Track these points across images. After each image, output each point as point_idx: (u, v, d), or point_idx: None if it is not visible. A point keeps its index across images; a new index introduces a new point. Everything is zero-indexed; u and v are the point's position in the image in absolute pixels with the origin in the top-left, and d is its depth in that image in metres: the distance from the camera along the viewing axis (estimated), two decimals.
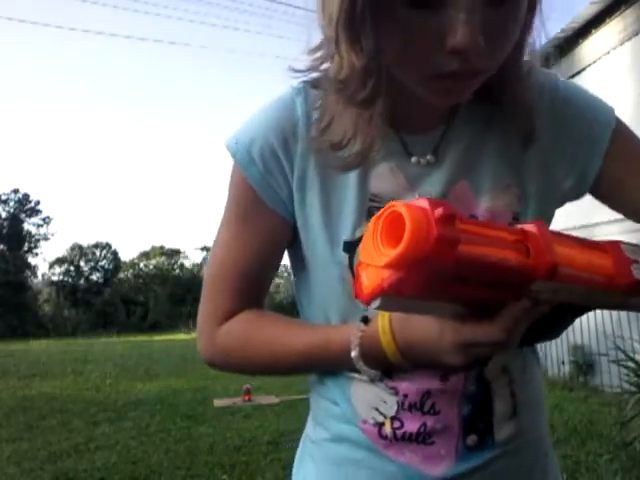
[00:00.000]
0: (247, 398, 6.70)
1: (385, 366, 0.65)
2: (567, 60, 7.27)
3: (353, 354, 0.65)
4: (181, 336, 23.88)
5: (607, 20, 6.49)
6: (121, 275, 43.02)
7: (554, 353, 7.27)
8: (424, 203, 0.49)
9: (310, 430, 0.79)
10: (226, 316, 0.74)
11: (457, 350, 0.57)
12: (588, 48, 6.88)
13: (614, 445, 3.79)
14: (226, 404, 6.64)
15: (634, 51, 6.13)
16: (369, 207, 0.67)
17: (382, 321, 0.63)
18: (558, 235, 0.59)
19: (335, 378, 0.73)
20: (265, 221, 0.71)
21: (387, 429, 0.70)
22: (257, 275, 0.74)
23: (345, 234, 0.68)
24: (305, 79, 0.70)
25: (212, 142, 75.52)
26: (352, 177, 0.68)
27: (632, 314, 5.74)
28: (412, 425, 0.69)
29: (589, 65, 6.88)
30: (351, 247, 0.67)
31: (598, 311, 6.60)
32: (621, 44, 6.33)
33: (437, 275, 0.50)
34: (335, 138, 0.65)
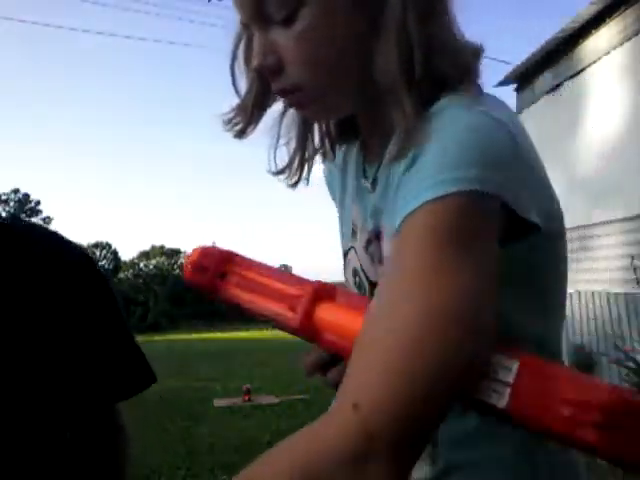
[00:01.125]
0: (247, 398, 6.70)
1: None
2: (567, 60, 7.27)
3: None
4: (181, 336, 23.88)
5: (607, 20, 6.49)
6: (121, 275, 43.03)
7: None
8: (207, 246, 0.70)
9: None
10: None
11: None
12: (588, 48, 6.88)
13: None
14: (226, 404, 6.64)
15: (634, 51, 6.13)
16: (352, 226, 0.71)
17: None
18: (346, 297, 0.58)
19: None
20: None
21: None
22: None
23: (343, 246, 0.75)
24: None
25: (212, 142, 75.59)
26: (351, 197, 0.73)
27: (632, 314, 5.74)
28: None
29: (589, 65, 6.87)
30: (344, 257, 0.74)
31: (598, 311, 6.60)
32: (621, 44, 6.33)
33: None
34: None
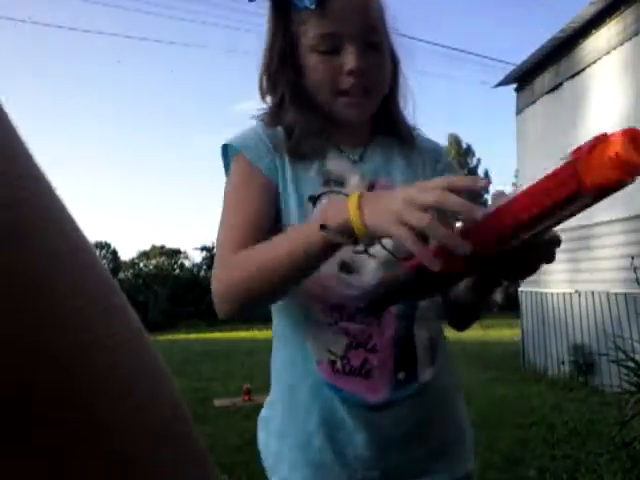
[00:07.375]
0: (247, 398, 6.70)
1: (344, 226, 0.77)
2: (567, 60, 7.27)
3: (317, 208, 0.95)
4: (181, 336, 23.93)
5: (607, 20, 6.49)
6: (121, 275, 43.02)
7: (554, 353, 7.27)
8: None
9: (268, 398, 1.06)
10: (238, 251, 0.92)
11: (403, 205, 0.70)
12: (588, 48, 6.88)
13: (614, 445, 3.79)
14: (226, 404, 6.64)
15: (634, 51, 6.13)
16: (326, 178, 0.99)
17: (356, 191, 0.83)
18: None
19: (294, 330, 0.98)
20: (260, 182, 0.97)
21: (338, 365, 0.95)
22: (260, 226, 0.94)
23: (309, 193, 0.97)
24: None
25: (212, 142, 75.42)
26: (314, 160, 1.01)
27: (632, 314, 5.74)
28: (356, 361, 0.95)
29: (589, 65, 6.87)
30: (315, 200, 0.97)
31: (598, 311, 6.60)
32: (621, 44, 6.33)
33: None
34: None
